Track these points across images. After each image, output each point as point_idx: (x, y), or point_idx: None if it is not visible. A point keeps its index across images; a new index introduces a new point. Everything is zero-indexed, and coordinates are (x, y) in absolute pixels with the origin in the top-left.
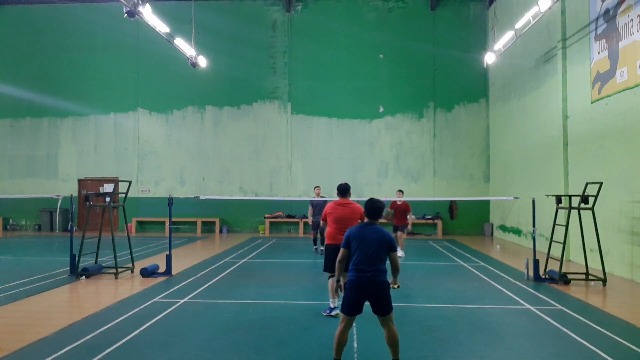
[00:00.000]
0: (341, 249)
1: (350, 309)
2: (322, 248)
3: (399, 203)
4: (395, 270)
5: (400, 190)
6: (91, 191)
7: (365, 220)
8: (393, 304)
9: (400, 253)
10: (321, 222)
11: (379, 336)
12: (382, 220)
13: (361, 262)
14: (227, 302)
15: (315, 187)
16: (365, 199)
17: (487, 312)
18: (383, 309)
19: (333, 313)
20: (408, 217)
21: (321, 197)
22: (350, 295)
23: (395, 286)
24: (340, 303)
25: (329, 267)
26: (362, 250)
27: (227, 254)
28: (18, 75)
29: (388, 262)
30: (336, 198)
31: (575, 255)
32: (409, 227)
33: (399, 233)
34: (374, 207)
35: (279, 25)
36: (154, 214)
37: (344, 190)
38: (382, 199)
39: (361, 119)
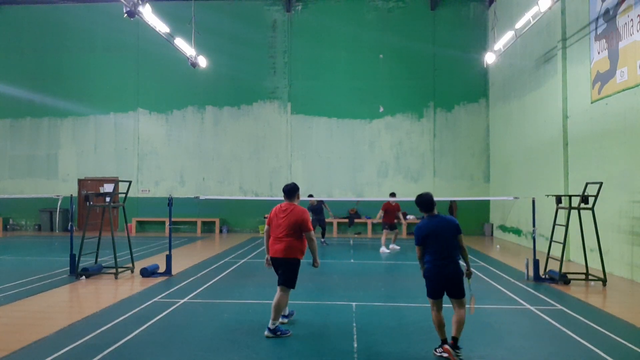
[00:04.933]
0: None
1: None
2: (322, 240)
3: (392, 204)
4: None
5: (393, 194)
6: (91, 191)
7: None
8: (393, 304)
9: (397, 247)
10: (265, 227)
11: (379, 336)
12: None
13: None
14: (227, 302)
15: (309, 195)
16: (366, 199)
17: (487, 312)
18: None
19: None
20: (399, 215)
21: (318, 201)
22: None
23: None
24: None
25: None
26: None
27: (227, 254)
28: (18, 75)
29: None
30: (330, 198)
31: (575, 255)
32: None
33: (396, 231)
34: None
35: (279, 25)
36: (154, 214)
37: (289, 192)
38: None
39: (361, 119)
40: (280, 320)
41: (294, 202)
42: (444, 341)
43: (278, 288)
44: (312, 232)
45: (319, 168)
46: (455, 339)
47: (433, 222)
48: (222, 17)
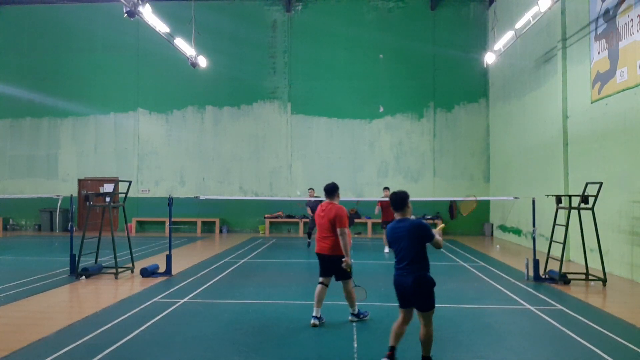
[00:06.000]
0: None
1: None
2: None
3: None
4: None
5: (387, 188)
6: (91, 191)
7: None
8: (393, 304)
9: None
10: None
11: (379, 336)
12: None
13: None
14: (227, 302)
15: (309, 189)
16: (366, 199)
17: (487, 312)
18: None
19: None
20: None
21: (315, 197)
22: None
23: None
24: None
25: (320, 273)
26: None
27: (227, 254)
28: (18, 75)
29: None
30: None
31: (575, 255)
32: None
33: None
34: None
35: (279, 25)
36: (154, 214)
37: (329, 190)
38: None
39: (361, 119)
40: (350, 318)
41: (334, 201)
42: (390, 348)
43: (342, 283)
44: (346, 228)
45: (319, 168)
46: (425, 359)
47: (398, 225)
48: (222, 17)
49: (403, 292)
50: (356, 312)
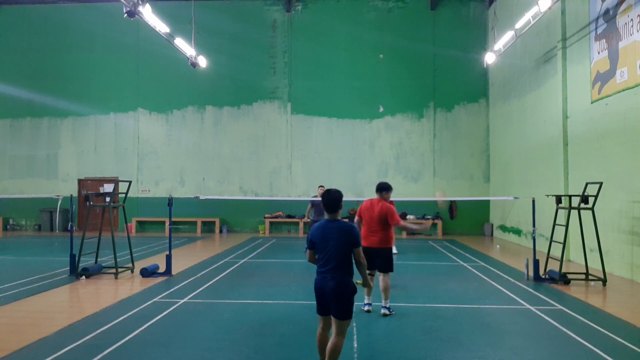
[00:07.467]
0: None
1: None
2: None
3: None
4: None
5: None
6: (91, 191)
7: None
8: (393, 304)
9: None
10: (356, 218)
11: (379, 336)
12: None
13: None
14: (227, 302)
15: (320, 186)
16: (366, 199)
17: (487, 312)
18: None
19: (365, 308)
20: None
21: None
22: None
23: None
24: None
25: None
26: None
27: (227, 254)
28: (18, 75)
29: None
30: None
31: (575, 255)
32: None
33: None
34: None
35: (279, 25)
36: (154, 214)
37: (379, 188)
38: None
39: (361, 119)
40: (382, 311)
41: (383, 198)
42: None
43: (380, 275)
44: (401, 222)
45: (319, 168)
46: None
47: (329, 226)
48: (222, 17)
49: (323, 298)
50: (388, 305)
